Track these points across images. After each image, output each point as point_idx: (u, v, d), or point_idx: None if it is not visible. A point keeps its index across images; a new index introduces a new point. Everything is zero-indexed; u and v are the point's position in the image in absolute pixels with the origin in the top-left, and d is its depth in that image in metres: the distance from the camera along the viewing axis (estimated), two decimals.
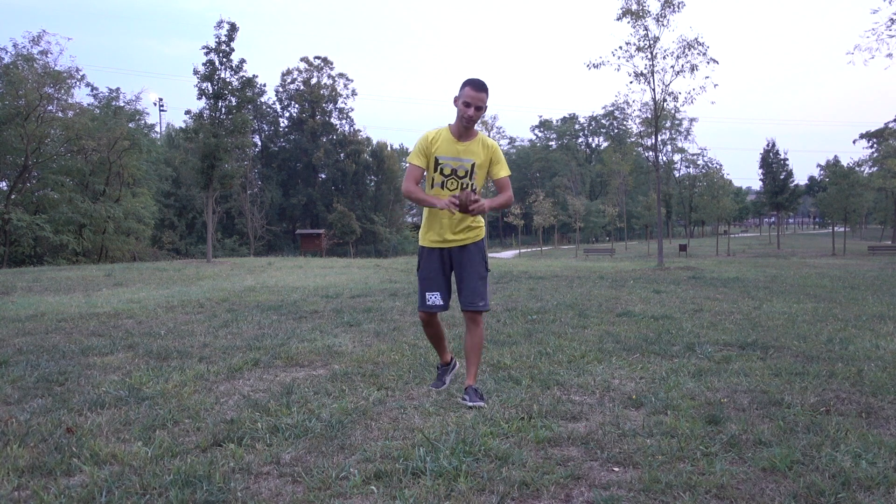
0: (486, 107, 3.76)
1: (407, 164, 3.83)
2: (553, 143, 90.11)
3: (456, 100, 3.75)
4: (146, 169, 36.99)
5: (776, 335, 6.03)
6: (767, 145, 51.35)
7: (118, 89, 36.99)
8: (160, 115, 58.30)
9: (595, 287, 11.41)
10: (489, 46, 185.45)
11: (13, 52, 29.05)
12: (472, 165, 3.81)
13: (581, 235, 63.61)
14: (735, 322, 6.92)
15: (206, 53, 23.41)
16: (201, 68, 23.37)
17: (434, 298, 3.89)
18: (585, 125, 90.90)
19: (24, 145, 28.42)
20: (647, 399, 3.79)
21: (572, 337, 5.98)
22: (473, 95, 3.69)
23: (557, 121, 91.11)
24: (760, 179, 52.78)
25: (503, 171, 3.91)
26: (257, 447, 3.03)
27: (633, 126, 29.93)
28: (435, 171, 3.80)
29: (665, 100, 23.84)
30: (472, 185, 3.83)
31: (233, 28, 23.51)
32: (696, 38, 22.93)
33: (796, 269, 18.40)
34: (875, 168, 54.46)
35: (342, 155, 62.79)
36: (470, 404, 3.69)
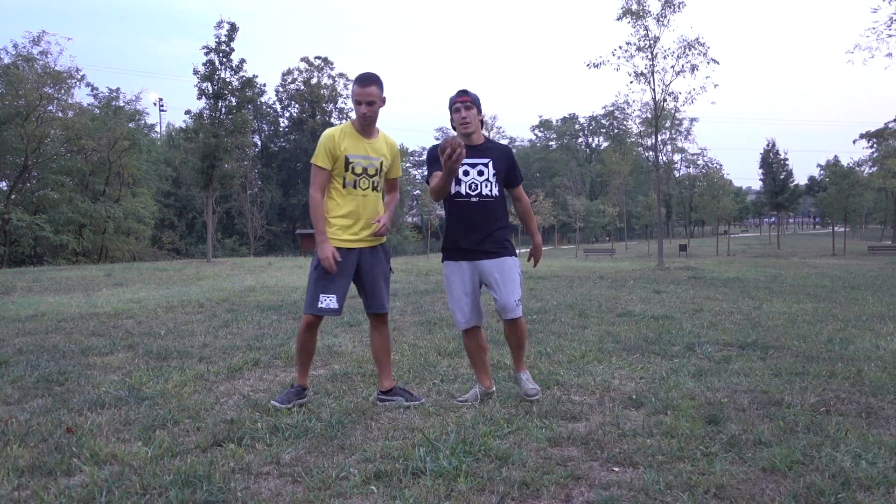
0: (379, 101, 3.63)
1: (313, 165, 3.66)
2: (553, 143, 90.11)
3: (352, 97, 3.65)
4: (146, 169, 37.02)
5: (776, 335, 6.03)
6: (767, 145, 51.44)
7: (118, 89, 37.03)
8: (160, 115, 58.31)
9: (595, 287, 11.41)
10: (489, 46, 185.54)
11: (13, 53, 29.09)
12: (381, 164, 3.74)
13: (581, 235, 63.60)
14: (735, 322, 6.92)
15: (206, 53, 23.43)
16: (201, 68, 23.39)
17: (329, 301, 3.62)
18: (585, 125, 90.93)
19: (24, 145, 28.44)
20: (647, 399, 3.79)
21: (572, 337, 5.98)
22: (360, 92, 3.58)
23: (557, 121, 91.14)
24: (760, 179, 52.85)
25: (398, 172, 3.93)
26: (257, 447, 3.03)
27: (633, 126, 29.99)
28: (346, 170, 3.65)
29: (665, 100, 23.85)
30: (379, 184, 3.77)
31: (233, 28, 23.53)
32: (696, 39, 22.97)
33: (796, 269, 18.40)
34: (875, 168, 54.46)
35: None
36: (407, 403, 3.73)
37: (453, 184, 3.80)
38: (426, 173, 3.95)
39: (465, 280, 3.82)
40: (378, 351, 3.88)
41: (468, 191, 3.79)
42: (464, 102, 3.77)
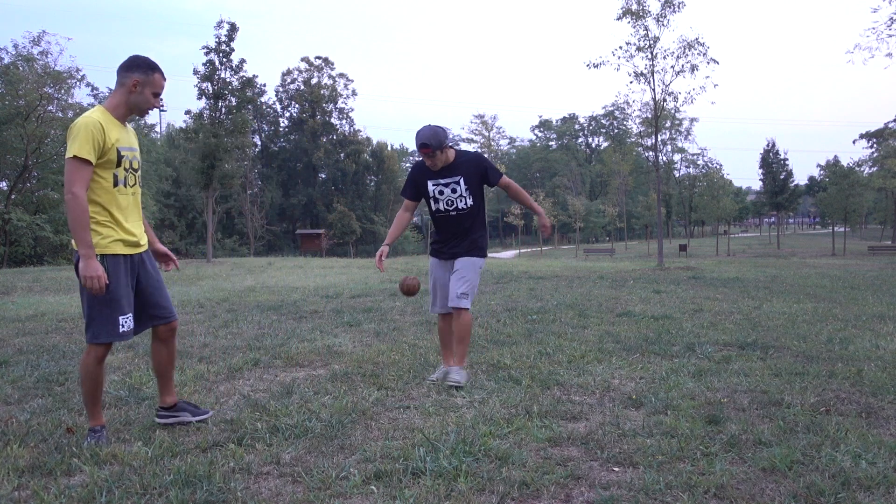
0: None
1: (73, 159, 2.96)
2: (553, 143, 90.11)
3: (136, 84, 3.11)
4: (146, 169, 36.98)
5: (776, 335, 6.03)
6: (767, 145, 51.35)
7: None
8: (160, 115, 58.12)
9: (595, 287, 11.40)
10: (490, 46, 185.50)
11: (13, 53, 29.06)
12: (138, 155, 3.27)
13: (581, 235, 63.58)
14: (735, 322, 6.91)
15: (206, 53, 23.44)
16: (201, 68, 23.40)
17: (129, 322, 3.15)
18: (585, 125, 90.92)
19: (24, 145, 28.41)
20: (647, 399, 3.79)
21: (572, 337, 5.98)
22: (163, 84, 3.21)
23: (557, 121, 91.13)
24: (760, 179, 52.79)
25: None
26: (257, 447, 3.03)
27: (633, 126, 29.99)
28: (118, 165, 3.09)
29: (665, 100, 23.85)
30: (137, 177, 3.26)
31: (233, 28, 23.53)
32: (696, 38, 22.96)
33: (796, 269, 18.40)
34: (875, 168, 54.51)
35: (342, 155, 62.78)
36: (192, 418, 3.40)
37: (432, 202, 4.38)
38: (404, 187, 4.47)
39: (445, 273, 4.43)
40: (164, 365, 3.40)
41: (446, 207, 4.34)
42: (427, 154, 4.16)
